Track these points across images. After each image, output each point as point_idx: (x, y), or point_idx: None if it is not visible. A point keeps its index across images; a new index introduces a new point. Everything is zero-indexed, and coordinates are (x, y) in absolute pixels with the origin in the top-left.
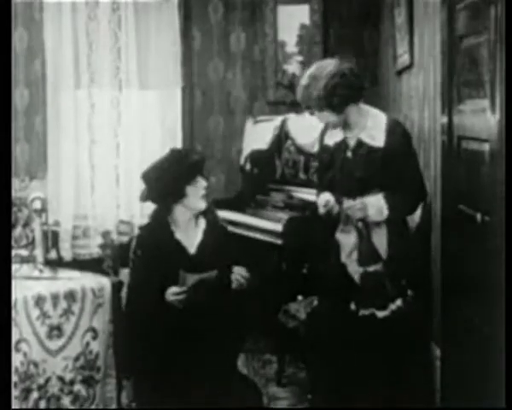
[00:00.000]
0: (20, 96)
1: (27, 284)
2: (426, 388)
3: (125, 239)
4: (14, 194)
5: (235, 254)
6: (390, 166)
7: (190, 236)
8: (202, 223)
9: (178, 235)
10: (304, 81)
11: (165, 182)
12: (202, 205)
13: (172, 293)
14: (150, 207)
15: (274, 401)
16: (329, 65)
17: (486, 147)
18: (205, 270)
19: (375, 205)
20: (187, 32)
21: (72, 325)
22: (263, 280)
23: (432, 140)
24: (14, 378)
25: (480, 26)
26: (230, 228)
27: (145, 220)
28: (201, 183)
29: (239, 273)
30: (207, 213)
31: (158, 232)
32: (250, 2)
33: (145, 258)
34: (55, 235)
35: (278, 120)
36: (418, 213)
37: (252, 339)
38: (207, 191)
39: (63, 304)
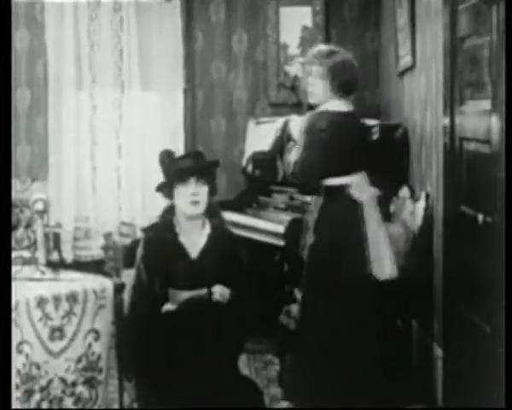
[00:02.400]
0: (21, 98)
1: (29, 286)
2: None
3: (126, 241)
4: (15, 195)
5: (239, 261)
6: None
7: (194, 239)
8: (208, 227)
9: (182, 238)
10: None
11: (164, 172)
12: (189, 210)
13: (165, 311)
14: (151, 208)
15: (275, 402)
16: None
17: (488, 148)
18: (205, 276)
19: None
20: (189, 32)
21: (74, 326)
22: (263, 282)
23: (434, 141)
24: (16, 380)
25: (481, 27)
26: (233, 230)
27: (147, 222)
28: (191, 188)
29: (219, 293)
30: (213, 218)
31: (162, 233)
32: (252, 3)
33: (148, 259)
34: (57, 236)
35: (280, 121)
36: (420, 213)
37: (253, 340)
38: (198, 199)
39: (65, 306)
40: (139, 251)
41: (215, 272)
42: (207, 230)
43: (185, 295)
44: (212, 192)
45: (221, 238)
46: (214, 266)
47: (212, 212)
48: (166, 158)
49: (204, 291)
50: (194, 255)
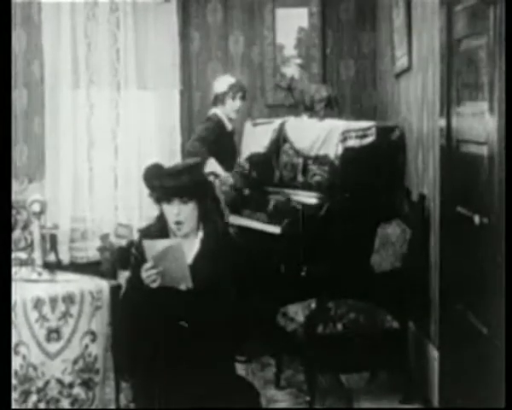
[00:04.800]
0: (18, 98)
1: (26, 287)
2: None
3: (123, 242)
4: (13, 196)
5: (234, 263)
6: None
7: (188, 244)
8: (201, 233)
9: None
10: None
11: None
12: (175, 230)
13: (145, 269)
14: (148, 209)
15: (272, 403)
16: None
17: (485, 149)
18: (201, 280)
19: None
20: (185, 33)
21: (71, 327)
22: (262, 283)
23: (430, 143)
24: (14, 381)
25: (478, 28)
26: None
27: (144, 223)
28: (174, 207)
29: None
30: (206, 223)
31: (156, 237)
32: (249, 4)
33: (141, 260)
34: (54, 238)
35: (277, 122)
36: (416, 214)
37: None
38: (180, 218)
39: (62, 307)
40: (132, 250)
41: (210, 276)
42: (200, 235)
43: (162, 244)
44: (201, 204)
45: (214, 244)
46: (209, 270)
47: (206, 217)
48: (150, 174)
49: (178, 241)
50: (188, 260)
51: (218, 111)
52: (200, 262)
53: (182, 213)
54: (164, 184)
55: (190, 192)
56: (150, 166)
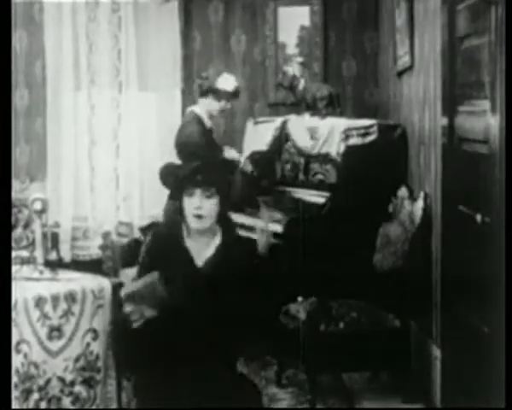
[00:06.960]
0: (20, 98)
1: (27, 285)
2: None
3: (124, 240)
4: (14, 195)
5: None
6: None
7: (202, 247)
8: (218, 238)
9: (189, 243)
10: None
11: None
12: (194, 224)
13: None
14: (149, 208)
15: (274, 402)
16: None
17: (487, 148)
18: (209, 286)
19: None
20: (187, 33)
21: (73, 325)
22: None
23: (432, 141)
24: (15, 379)
25: (480, 27)
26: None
27: (145, 222)
28: (195, 200)
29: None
30: (224, 227)
31: (168, 235)
32: (250, 3)
33: (153, 254)
34: (55, 236)
35: (278, 121)
36: (418, 213)
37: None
38: (201, 212)
39: (63, 305)
40: (146, 244)
41: (219, 283)
42: (217, 240)
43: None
44: (223, 203)
45: (231, 252)
46: (219, 277)
47: (223, 221)
48: (167, 169)
49: (156, 274)
50: (199, 263)
51: (196, 109)
52: (212, 268)
53: (204, 206)
54: (186, 176)
55: (212, 185)
56: (166, 165)
